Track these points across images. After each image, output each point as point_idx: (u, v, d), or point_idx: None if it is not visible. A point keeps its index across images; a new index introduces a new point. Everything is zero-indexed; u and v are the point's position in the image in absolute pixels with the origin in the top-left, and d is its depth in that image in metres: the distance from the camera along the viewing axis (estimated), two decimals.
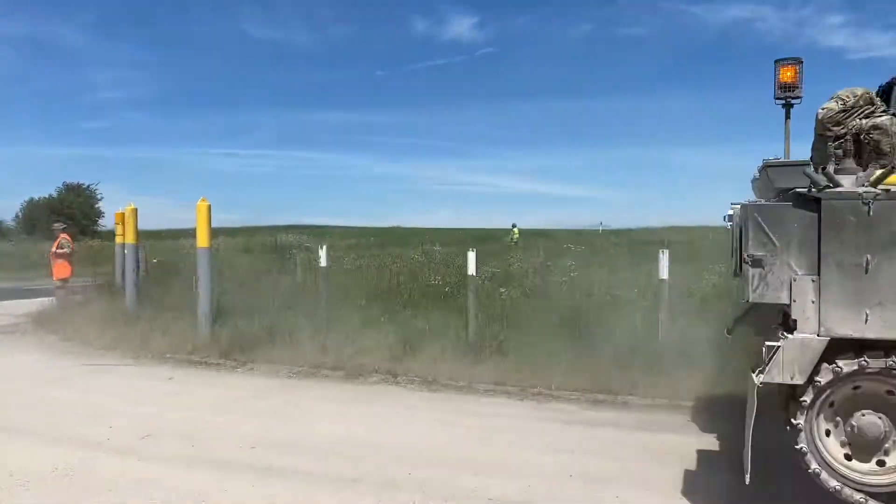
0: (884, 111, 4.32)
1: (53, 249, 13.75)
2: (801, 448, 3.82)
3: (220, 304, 10.59)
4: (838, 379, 3.73)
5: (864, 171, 3.94)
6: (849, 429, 3.80)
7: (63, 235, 13.77)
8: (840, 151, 4.13)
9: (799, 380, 3.74)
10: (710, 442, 5.80)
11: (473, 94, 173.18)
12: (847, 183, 3.80)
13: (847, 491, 3.76)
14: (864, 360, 3.66)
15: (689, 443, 5.76)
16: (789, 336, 3.77)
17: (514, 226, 44.57)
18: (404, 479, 4.92)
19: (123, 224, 12.63)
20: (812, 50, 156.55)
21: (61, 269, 13.60)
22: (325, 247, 10.22)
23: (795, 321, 3.77)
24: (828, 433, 3.85)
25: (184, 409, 6.91)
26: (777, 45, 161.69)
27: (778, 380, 3.79)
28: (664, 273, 7.98)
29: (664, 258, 8.00)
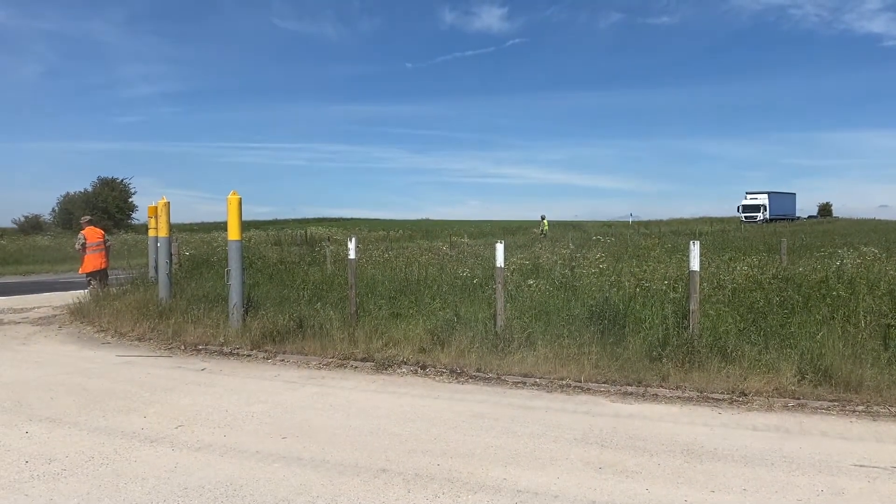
0: None
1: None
2: None
3: (250, 296, 10.71)
4: None
5: None
6: None
7: (85, 229, 13.93)
8: None
9: None
10: (743, 435, 5.72)
11: (502, 85, 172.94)
12: None
13: None
14: None
15: (720, 436, 5.70)
16: None
17: (543, 217, 44.38)
18: (433, 469, 4.93)
19: (156, 217, 12.82)
20: (848, 37, 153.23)
21: (83, 263, 13.83)
22: (353, 239, 10.25)
23: None
24: None
25: (216, 399, 7.01)
26: (812, 31, 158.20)
27: None
28: (695, 264, 7.88)
29: (695, 249, 7.90)
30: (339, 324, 9.50)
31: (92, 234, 13.94)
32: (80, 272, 14.00)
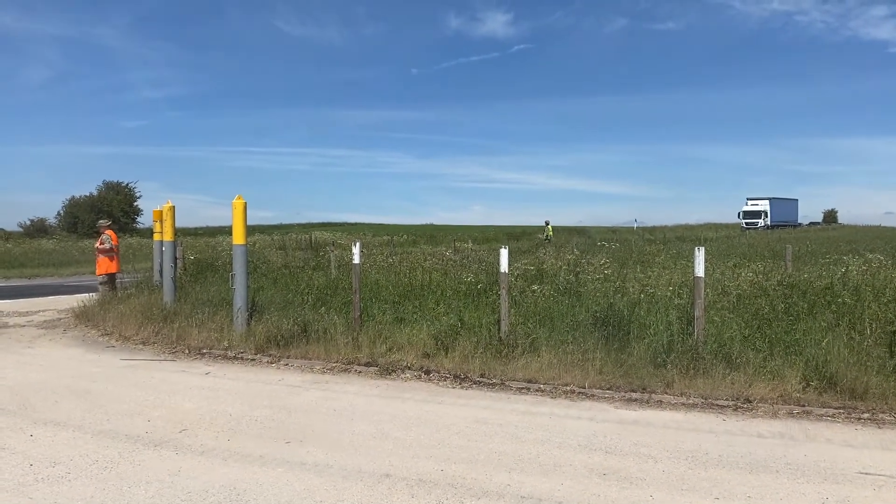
0: None
1: (96, 245, 14.13)
2: None
3: (255, 301, 10.72)
4: None
5: None
6: None
7: (107, 232, 14.08)
8: None
9: None
10: (748, 442, 5.71)
11: (507, 90, 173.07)
12: None
13: None
14: None
15: (725, 443, 5.68)
16: None
17: (547, 223, 44.34)
18: (437, 475, 4.93)
19: (161, 221, 12.85)
20: (854, 43, 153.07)
21: (102, 264, 13.93)
22: (358, 243, 10.26)
23: None
24: None
25: (220, 403, 7.01)
26: (818, 38, 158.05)
27: None
28: (700, 270, 7.86)
29: (700, 255, 7.88)
30: (343, 328, 9.51)
31: (114, 237, 14.14)
32: (105, 272, 13.98)
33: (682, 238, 41.78)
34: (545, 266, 13.69)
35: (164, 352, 9.82)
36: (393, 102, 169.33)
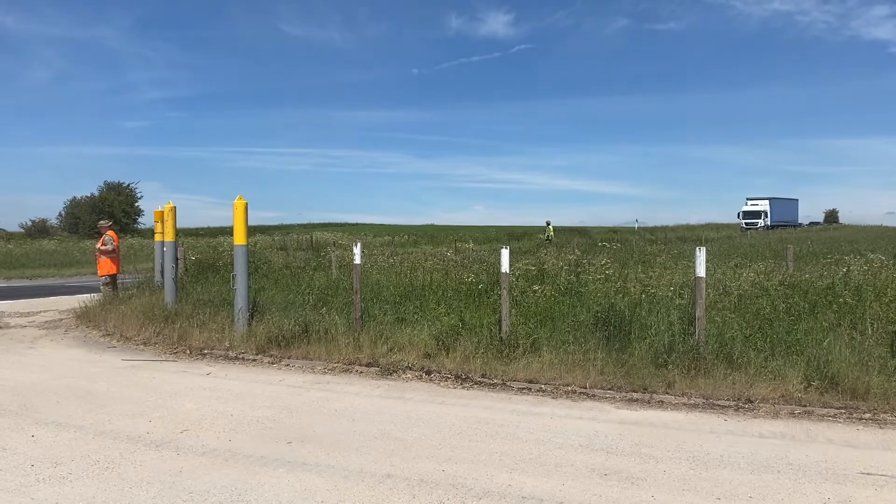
0: None
1: (98, 246, 14.14)
2: None
3: (256, 301, 10.73)
4: None
5: None
6: None
7: (108, 233, 14.10)
8: None
9: None
10: (749, 442, 5.70)
11: (508, 91, 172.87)
12: None
13: None
14: None
15: (726, 443, 5.68)
16: None
17: (548, 223, 44.29)
18: (438, 475, 4.93)
19: (162, 222, 12.86)
20: (855, 43, 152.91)
21: (104, 265, 13.95)
22: (359, 244, 10.26)
23: None
24: None
25: (221, 403, 7.01)
26: (819, 38, 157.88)
27: None
28: (701, 270, 7.86)
29: (701, 255, 7.88)
30: (344, 329, 9.51)
31: (116, 238, 14.18)
32: (107, 273, 14.00)
33: (684, 238, 41.72)
34: (546, 266, 13.68)
35: (165, 352, 9.82)
36: (394, 103, 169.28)
